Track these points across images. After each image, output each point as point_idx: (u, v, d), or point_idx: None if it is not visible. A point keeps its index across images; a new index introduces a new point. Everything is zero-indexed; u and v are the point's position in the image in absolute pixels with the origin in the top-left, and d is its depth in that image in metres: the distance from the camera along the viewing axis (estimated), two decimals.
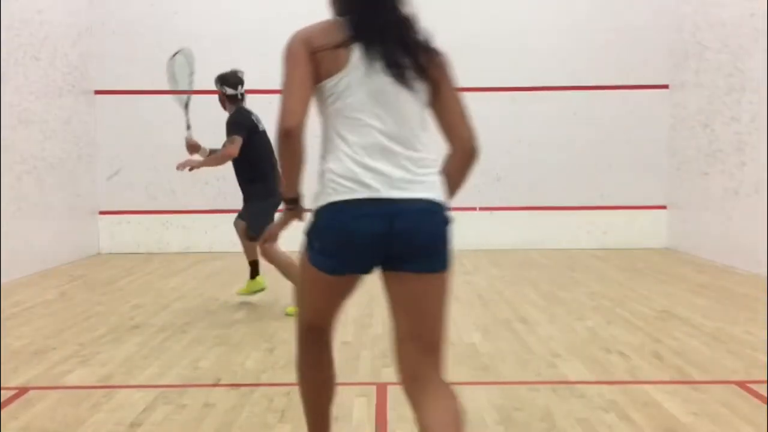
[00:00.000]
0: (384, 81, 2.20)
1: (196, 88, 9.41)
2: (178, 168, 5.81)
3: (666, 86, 9.41)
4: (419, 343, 2.24)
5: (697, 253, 8.61)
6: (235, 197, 9.22)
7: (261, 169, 5.56)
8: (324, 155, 2.28)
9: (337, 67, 2.20)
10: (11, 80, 7.37)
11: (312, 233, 2.26)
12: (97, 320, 5.44)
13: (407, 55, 2.22)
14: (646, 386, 3.75)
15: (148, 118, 9.44)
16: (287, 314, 5.42)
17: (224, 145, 5.58)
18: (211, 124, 9.44)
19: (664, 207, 9.51)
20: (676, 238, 9.28)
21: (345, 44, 2.21)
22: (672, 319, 5.34)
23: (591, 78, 9.41)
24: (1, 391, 3.73)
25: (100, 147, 9.40)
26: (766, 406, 3.44)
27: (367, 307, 5.80)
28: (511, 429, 3.19)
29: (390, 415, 3.38)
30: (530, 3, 9.48)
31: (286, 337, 4.87)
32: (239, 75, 5.82)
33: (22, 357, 4.43)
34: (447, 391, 2.21)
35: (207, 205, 9.39)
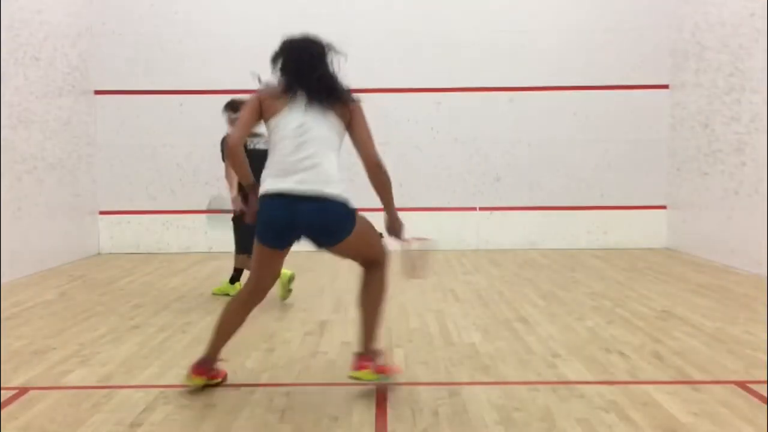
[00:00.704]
0: (302, 118, 3.51)
1: (194, 88, 9.48)
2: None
3: (666, 86, 9.41)
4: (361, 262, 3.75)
5: (697, 253, 8.61)
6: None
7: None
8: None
9: (276, 111, 3.56)
10: (11, 80, 7.37)
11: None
12: (97, 320, 5.44)
13: (321, 101, 3.51)
14: (646, 386, 3.75)
15: (148, 118, 9.45)
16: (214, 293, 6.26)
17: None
18: (207, 124, 9.51)
19: (664, 207, 9.51)
20: (676, 238, 9.28)
21: (282, 96, 3.56)
22: (672, 319, 5.34)
23: (591, 78, 9.41)
24: (1, 391, 3.73)
25: (100, 147, 9.41)
26: (766, 406, 3.44)
27: None
28: (511, 429, 3.19)
29: (390, 415, 3.38)
30: (530, 3, 9.48)
31: (286, 337, 4.88)
32: (237, 100, 6.05)
33: (22, 357, 4.43)
34: (375, 275, 3.69)
35: (207, 205, 9.37)
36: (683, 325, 5.12)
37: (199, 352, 4.50)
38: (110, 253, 9.43)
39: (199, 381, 3.68)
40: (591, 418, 3.30)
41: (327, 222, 3.44)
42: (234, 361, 4.29)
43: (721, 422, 3.24)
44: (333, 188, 3.42)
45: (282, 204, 3.42)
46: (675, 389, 3.71)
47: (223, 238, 9.40)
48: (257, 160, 5.65)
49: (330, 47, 3.60)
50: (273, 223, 3.46)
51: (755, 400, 3.54)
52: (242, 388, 3.78)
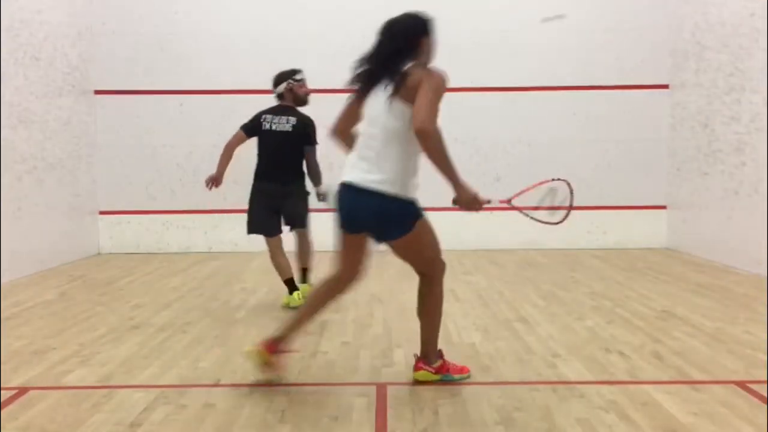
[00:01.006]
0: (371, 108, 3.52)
1: (194, 88, 9.47)
2: (207, 187, 5.99)
3: (666, 86, 9.41)
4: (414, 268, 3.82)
5: (697, 253, 8.61)
6: (234, 197, 9.25)
7: (257, 168, 5.84)
8: None
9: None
10: (11, 80, 7.37)
11: None
12: (97, 320, 5.44)
13: (387, 88, 3.45)
14: (646, 386, 3.76)
15: (148, 118, 9.45)
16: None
17: None
18: (207, 124, 9.51)
19: (664, 207, 9.51)
20: (676, 238, 9.28)
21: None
22: (672, 319, 5.34)
23: (591, 78, 9.41)
24: (1, 391, 3.73)
25: (100, 147, 9.40)
26: (766, 406, 3.44)
27: (366, 307, 5.81)
28: (511, 429, 3.19)
29: (390, 415, 3.38)
30: (530, 3, 9.47)
31: None
32: (282, 73, 5.88)
33: (22, 357, 4.43)
34: (427, 286, 3.79)
35: (207, 205, 9.38)
36: (683, 325, 5.12)
37: (199, 352, 4.52)
38: (110, 253, 9.43)
39: (269, 358, 3.76)
40: (591, 418, 3.30)
41: (378, 218, 3.49)
42: (234, 361, 4.30)
43: (721, 422, 3.24)
44: (388, 186, 3.43)
45: (345, 194, 3.55)
46: (675, 389, 3.71)
47: (222, 238, 9.44)
48: (272, 140, 5.76)
49: (422, 26, 3.63)
50: (340, 210, 3.61)
51: (755, 400, 3.54)
52: (242, 388, 3.78)
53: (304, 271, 6.06)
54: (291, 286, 5.74)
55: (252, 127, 5.78)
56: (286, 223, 5.87)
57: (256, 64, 9.31)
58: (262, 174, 5.79)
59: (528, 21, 9.43)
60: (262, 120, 5.76)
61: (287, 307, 5.70)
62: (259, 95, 9.42)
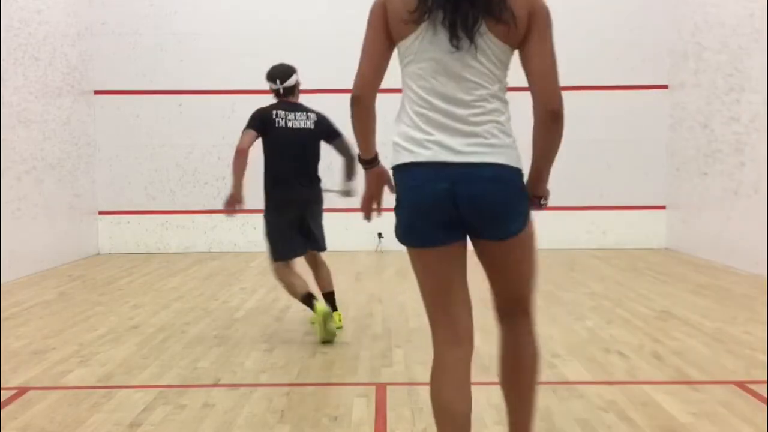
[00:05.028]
0: (445, 48, 2.17)
1: (194, 88, 9.47)
2: (229, 215, 5.08)
3: (665, 86, 9.41)
4: (505, 296, 2.49)
5: (696, 253, 8.61)
6: None
7: (271, 173, 4.87)
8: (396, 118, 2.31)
9: (409, 30, 2.19)
10: (11, 80, 7.37)
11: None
12: (97, 320, 5.44)
13: (474, 17, 2.14)
14: (645, 386, 3.75)
15: (147, 118, 9.45)
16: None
17: None
18: (206, 124, 9.51)
19: (663, 207, 9.51)
20: (675, 238, 9.28)
21: (418, 13, 2.16)
22: (671, 319, 5.34)
23: (591, 78, 9.40)
24: (1, 391, 3.73)
25: (99, 147, 9.40)
26: (766, 406, 3.44)
27: (366, 307, 5.81)
28: None
29: (389, 415, 3.38)
30: None
31: (286, 337, 4.88)
32: (280, 68, 5.06)
33: (22, 357, 4.43)
34: (527, 331, 2.48)
35: (206, 205, 9.39)
36: (683, 325, 5.12)
37: (198, 352, 4.51)
38: (109, 253, 9.42)
39: None
40: (590, 418, 3.30)
41: (507, 200, 2.29)
42: (233, 361, 4.30)
43: (720, 422, 3.24)
44: (514, 156, 2.40)
45: (437, 173, 2.21)
46: (674, 389, 3.71)
47: (222, 238, 9.44)
48: (291, 140, 4.81)
49: None
50: (439, 204, 2.23)
51: (755, 400, 3.54)
52: (242, 388, 3.78)
53: (331, 296, 5.07)
54: (310, 301, 4.72)
55: (263, 126, 4.82)
56: (308, 246, 4.99)
57: (256, 64, 9.30)
58: (283, 180, 4.83)
59: None
60: (274, 117, 4.86)
61: (326, 336, 4.64)
62: (259, 95, 9.42)
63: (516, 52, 2.33)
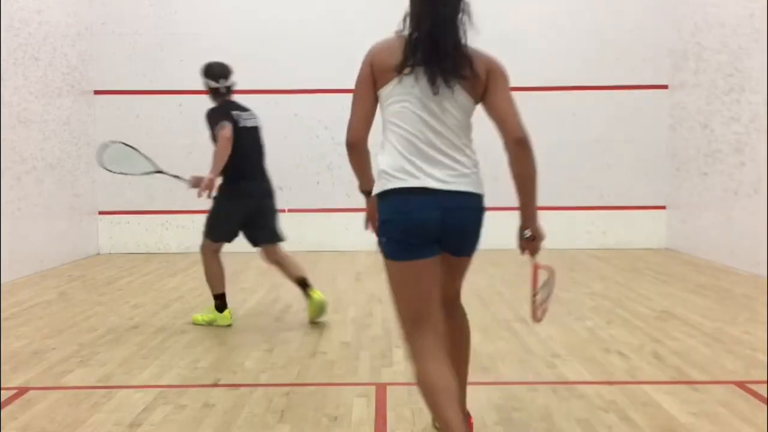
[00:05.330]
0: (427, 90, 2.60)
1: (194, 88, 9.45)
2: (200, 196, 5.19)
3: (665, 86, 9.41)
4: (450, 291, 2.90)
5: (696, 253, 8.61)
6: None
7: (235, 168, 5.08)
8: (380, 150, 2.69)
9: (391, 77, 2.62)
10: (11, 80, 7.37)
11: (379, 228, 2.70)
12: (97, 320, 5.44)
13: (450, 70, 2.60)
14: (645, 386, 3.76)
15: (147, 118, 9.44)
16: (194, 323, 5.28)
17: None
18: (204, 123, 9.49)
19: (663, 207, 9.51)
20: (675, 238, 9.28)
21: (402, 66, 2.59)
22: (671, 319, 5.34)
23: (591, 78, 9.40)
24: (1, 391, 3.73)
25: None
26: (765, 406, 3.44)
27: (366, 307, 5.81)
28: (510, 429, 3.19)
29: (389, 415, 3.38)
30: (530, 3, 9.48)
31: (286, 337, 4.88)
32: (223, 67, 5.24)
33: (22, 357, 4.43)
34: (462, 310, 3.00)
35: (206, 205, 9.35)
36: (683, 326, 5.12)
37: (198, 352, 4.51)
38: (109, 253, 9.42)
39: None
40: (590, 418, 3.30)
41: (476, 224, 2.76)
42: (233, 361, 4.30)
43: (720, 422, 3.24)
44: (478, 184, 2.77)
45: (426, 201, 2.58)
46: (674, 389, 3.71)
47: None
48: (248, 137, 5.12)
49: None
50: (424, 223, 2.60)
51: (755, 400, 3.55)
52: (242, 388, 3.78)
53: (306, 280, 5.29)
54: (223, 301, 5.21)
55: (233, 121, 5.03)
56: (265, 239, 5.24)
57: (256, 64, 9.31)
58: (247, 175, 5.11)
59: (528, 22, 9.43)
60: (236, 117, 5.08)
61: (212, 324, 5.18)
62: (259, 95, 9.44)
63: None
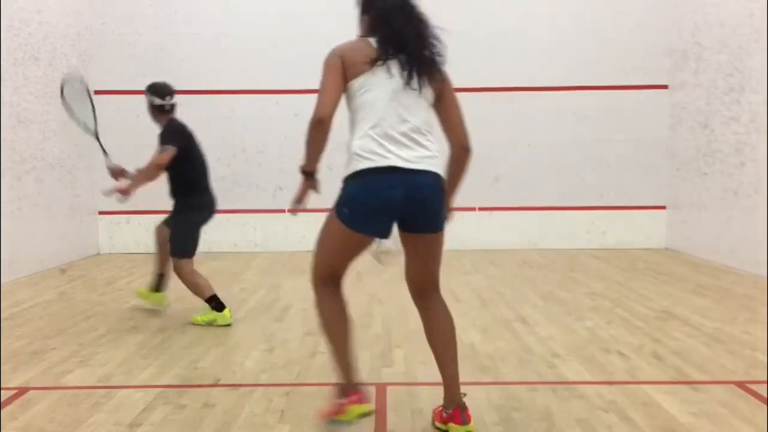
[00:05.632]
0: (399, 83, 2.93)
1: (192, 88, 9.47)
2: (105, 194, 5.41)
3: (665, 86, 9.41)
4: (424, 278, 3.16)
5: (696, 253, 8.61)
6: (234, 197, 9.25)
7: (197, 181, 5.45)
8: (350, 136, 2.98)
9: (363, 70, 2.92)
10: (11, 80, 7.37)
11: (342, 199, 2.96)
12: (97, 320, 5.44)
13: (419, 68, 2.95)
14: (645, 386, 3.76)
15: (147, 118, 9.41)
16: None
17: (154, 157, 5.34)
18: (204, 123, 9.49)
19: (663, 207, 9.51)
20: (675, 238, 9.28)
21: (372, 63, 2.92)
22: (671, 319, 5.34)
23: (591, 78, 9.41)
24: (1, 391, 3.73)
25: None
26: (765, 406, 3.44)
27: (366, 307, 5.81)
28: (510, 429, 3.19)
29: (389, 415, 3.38)
30: (530, 3, 9.48)
31: (286, 337, 4.88)
32: (169, 86, 5.55)
33: (22, 357, 4.43)
34: (442, 303, 3.18)
35: None
36: (683, 326, 5.12)
37: (198, 352, 4.52)
38: (109, 253, 9.42)
39: (361, 409, 3.07)
40: (590, 418, 3.30)
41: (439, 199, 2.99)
42: (233, 361, 4.30)
43: (720, 422, 3.24)
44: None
45: (394, 179, 2.88)
46: (674, 389, 3.71)
47: (222, 238, 9.43)
48: (200, 152, 5.46)
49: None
50: (384, 198, 2.90)
51: (755, 400, 3.55)
52: (242, 388, 3.78)
53: (162, 278, 5.71)
54: (218, 302, 5.32)
55: (186, 141, 5.38)
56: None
57: (256, 64, 9.32)
58: (205, 188, 5.48)
59: (528, 22, 9.43)
60: (190, 132, 5.46)
61: (212, 324, 5.25)
62: (259, 95, 9.45)
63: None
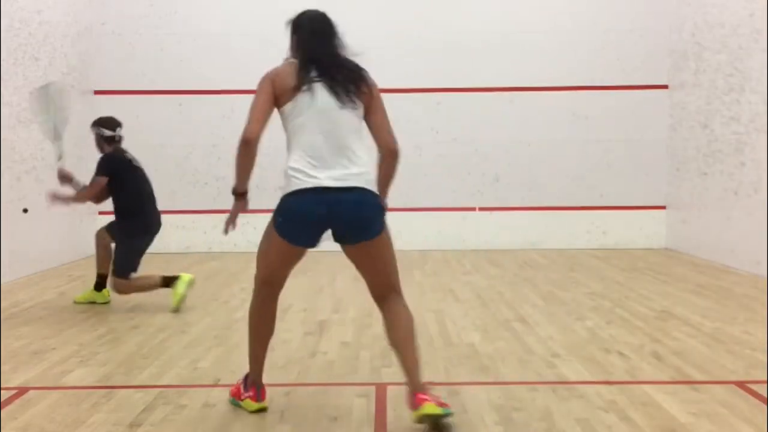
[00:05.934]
0: (326, 103, 3.15)
1: (194, 88, 9.47)
2: (47, 197, 5.90)
3: (665, 86, 9.41)
4: (380, 283, 3.33)
5: (696, 253, 8.61)
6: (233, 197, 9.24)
7: (137, 205, 5.86)
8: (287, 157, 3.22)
9: (292, 96, 3.17)
10: (11, 80, 7.37)
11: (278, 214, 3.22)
12: (97, 320, 5.44)
13: (344, 85, 3.18)
14: (645, 386, 3.75)
15: (147, 118, 9.44)
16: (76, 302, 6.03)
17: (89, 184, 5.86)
18: (205, 123, 9.51)
19: (663, 207, 9.51)
20: (675, 238, 9.28)
21: (299, 84, 3.15)
22: (671, 319, 5.34)
23: (591, 78, 9.41)
24: (1, 391, 3.72)
25: None
26: (765, 406, 3.44)
27: (366, 307, 5.80)
28: (510, 429, 3.19)
29: (389, 415, 3.38)
30: (530, 3, 9.48)
31: (286, 337, 4.87)
32: (114, 119, 6.07)
33: (22, 357, 4.42)
34: (401, 304, 3.32)
35: (206, 205, 9.39)
36: (682, 325, 5.12)
37: (198, 352, 4.52)
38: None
39: (254, 406, 3.38)
40: (590, 418, 3.30)
41: (370, 212, 3.19)
42: (233, 361, 4.29)
43: (720, 422, 3.24)
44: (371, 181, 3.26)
45: (319, 198, 3.11)
46: (674, 389, 3.71)
47: (222, 238, 9.42)
48: (143, 176, 5.95)
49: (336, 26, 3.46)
50: (316, 216, 3.14)
51: (755, 400, 3.54)
52: None
53: (104, 279, 6.08)
54: (171, 280, 5.85)
55: (120, 169, 5.83)
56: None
57: (255, 64, 9.29)
58: (141, 211, 5.88)
59: (528, 21, 9.43)
60: (129, 158, 5.94)
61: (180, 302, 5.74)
62: None
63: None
